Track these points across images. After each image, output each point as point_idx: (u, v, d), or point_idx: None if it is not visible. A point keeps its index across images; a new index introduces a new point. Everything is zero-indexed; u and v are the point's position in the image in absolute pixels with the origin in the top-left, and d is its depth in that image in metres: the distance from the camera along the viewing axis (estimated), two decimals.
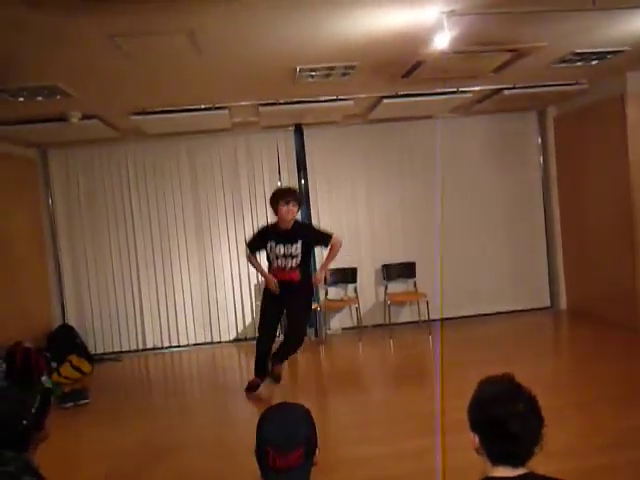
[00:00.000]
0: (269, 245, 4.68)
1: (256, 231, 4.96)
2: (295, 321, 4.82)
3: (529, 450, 1.56)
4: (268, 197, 6.84)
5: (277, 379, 4.80)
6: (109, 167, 6.82)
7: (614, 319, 6.14)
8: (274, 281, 4.70)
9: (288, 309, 4.83)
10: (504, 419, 1.55)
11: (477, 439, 1.61)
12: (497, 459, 1.58)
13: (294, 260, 4.62)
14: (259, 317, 4.97)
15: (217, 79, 4.70)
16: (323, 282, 4.76)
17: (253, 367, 4.96)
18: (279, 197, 4.61)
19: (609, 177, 6.10)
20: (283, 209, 4.56)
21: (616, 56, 4.96)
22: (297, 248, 4.60)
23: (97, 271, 6.87)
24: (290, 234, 4.63)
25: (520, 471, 1.56)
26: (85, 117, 5.40)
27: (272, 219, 6.88)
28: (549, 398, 4.34)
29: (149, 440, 4.13)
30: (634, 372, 4.89)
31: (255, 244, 4.86)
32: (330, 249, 4.79)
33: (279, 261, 4.66)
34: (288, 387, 5.44)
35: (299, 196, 4.79)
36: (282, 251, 4.63)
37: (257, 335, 4.96)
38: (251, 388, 4.89)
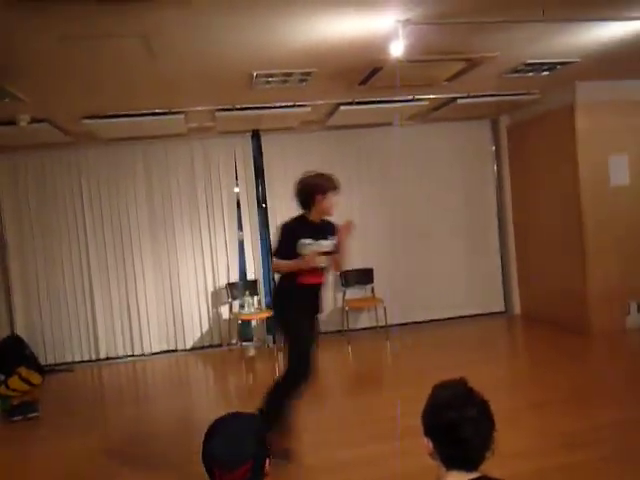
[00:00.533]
0: (301, 242, 3.53)
1: (281, 233, 3.66)
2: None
3: (481, 454, 1.57)
4: (225, 202, 6.90)
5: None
6: (61, 172, 6.62)
7: (566, 322, 6.31)
8: (314, 258, 3.49)
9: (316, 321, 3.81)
10: (456, 424, 1.55)
11: (431, 444, 1.62)
12: (450, 464, 1.59)
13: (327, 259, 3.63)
14: (297, 332, 3.59)
15: (172, 84, 4.62)
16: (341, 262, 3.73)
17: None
18: (329, 186, 3.63)
19: (560, 184, 6.28)
20: (327, 202, 3.60)
21: (566, 67, 5.12)
22: (331, 245, 3.64)
23: (48, 279, 6.65)
24: (322, 229, 3.66)
25: (473, 475, 1.57)
26: (35, 120, 5.23)
27: (230, 226, 6.91)
28: (504, 401, 4.44)
29: (101, 454, 4.00)
30: (586, 374, 5.03)
31: (285, 249, 3.58)
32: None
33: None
34: (246, 396, 5.39)
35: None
36: (317, 249, 3.56)
37: (302, 352, 3.58)
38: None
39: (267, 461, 1.59)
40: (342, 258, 3.70)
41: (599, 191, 5.98)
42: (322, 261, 3.55)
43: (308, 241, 3.55)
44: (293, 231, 3.60)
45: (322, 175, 3.71)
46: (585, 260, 5.98)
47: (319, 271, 3.59)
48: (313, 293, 3.65)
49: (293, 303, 3.60)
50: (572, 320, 6.24)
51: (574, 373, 4.93)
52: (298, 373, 3.55)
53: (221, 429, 1.57)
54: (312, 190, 3.62)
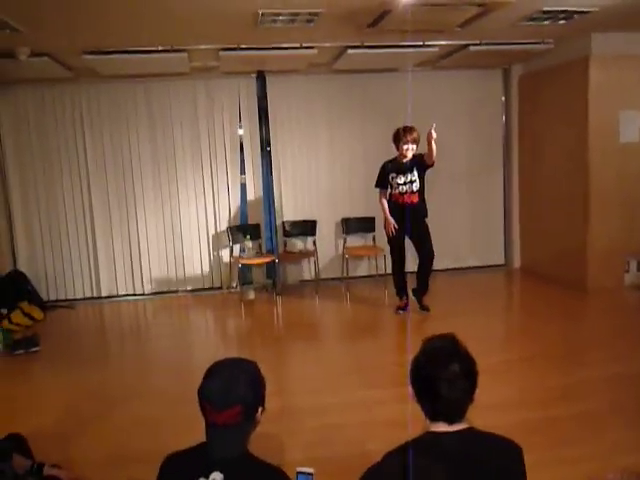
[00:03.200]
0: (390, 176, 5.36)
1: (379, 170, 5.49)
2: (423, 242, 5.41)
3: (459, 410, 1.60)
4: (228, 144, 6.83)
5: (427, 309, 5.53)
6: (62, 108, 6.51)
7: (564, 278, 6.34)
8: (392, 224, 5.36)
9: (413, 233, 5.40)
10: (433, 380, 1.58)
11: (414, 394, 1.65)
12: (432, 416, 1.62)
13: (413, 185, 5.28)
14: (390, 241, 5.54)
15: (175, 20, 4.47)
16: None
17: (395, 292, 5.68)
18: (402, 136, 5.22)
19: (568, 139, 6.17)
20: (404, 147, 5.22)
21: (583, 16, 4.93)
22: (415, 175, 5.27)
23: (50, 216, 6.65)
24: (407, 165, 5.29)
25: (460, 426, 1.61)
26: (35, 54, 5.10)
27: (233, 169, 6.86)
28: (496, 353, 4.52)
29: (101, 388, 4.12)
30: (580, 329, 5.10)
31: (382, 182, 5.47)
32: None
33: (400, 188, 5.32)
34: (246, 337, 5.48)
35: (417, 134, 5.26)
36: (402, 179, 5.30)
37: (392, 260, 5.65)
38: (402, 308, 5.61)
39: (259, 409, 1.62)
40: (430, 153, 5.06)
41: (608, 147, 5.88)
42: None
43: (393, 174, 5.36)
44: (384, 168, 5.46)
45: (404, 128, 5.28)
46: (588, 216, 5.95)
47: (407, 195, 5.33)
48: (404, 209, 5.35)
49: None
50: (570, 276, 6.26)
51: (568, 328, 4.99)
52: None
53: (219, 371, 1.63)
54: (395, 138, 5.34)
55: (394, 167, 5.36)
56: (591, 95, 5.78)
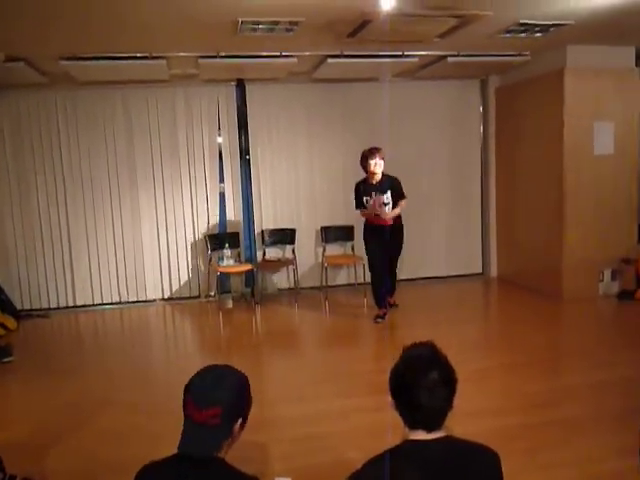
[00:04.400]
0: (364, 199, 5.41)
1: (354, 191, 5.54)
2: (394, 257, 5.72)
3: (438, 418, 1.60)
4: (207, 152, 6.80)
5: (395, 305, 6.01)
6: (38, 114, 6.41)
7: (540, 287, 6.41)
8: (372, 213, 5.42)
9: (388, 248, 5.56)
10: (411, 389, 1.57)
11: (393, 402, 1.64)
12: (410, 424, 1.61)
13: (387, 207, 5.36)
14: (368, 258, 5.68)
15: (154, 27, 4.45)
16: (382, 214, 5.39)
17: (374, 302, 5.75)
18: (367, 156, 5.31)
19: (544, 150, 6.27)
20: (371, 163, 5.28)
21: (559, 29, 5.03)
22: (388, 197, 5.35)
23: (24, 224, 6.53)
24: (379, 186, 5.36)
25: (439, 434, 1.60)
26: (10, 59, 5.03)
27: (211, 177, 6.82)
28: (474, 361, 4.54)
29: (75, 399, 4.03)
30: (556, 337, 5.16)
31: (360, 201, 5.50)
32: (400, 204, 5.46)
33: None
34: (224, 346, 5.43)
35: (383, 152, 5.37)
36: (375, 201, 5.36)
37: (371, 276, 5.71)
38: (381, 317, 5.63)
39: (239, 420, 1.61)
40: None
41: (583, 158, 5.98)
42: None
43: (367, 197, 5.39)
44: (357, 189, 5.52)
45: (367, 149, 5.39)
46: (563, 227, 6.03)
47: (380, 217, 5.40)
48: (379, 230, 5.47)
49: (365, 236, 5.71)
50: (546, 285, 6.34)
51: (545, 337, 5.04)
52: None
53: (210, 370, 1.66)
54: (361, 161, 5.42)
55: (366, 189, 5.41)
56: (566, 107, 5.88)
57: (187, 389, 1.61)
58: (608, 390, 3.80)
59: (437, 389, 1.56)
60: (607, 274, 6.19)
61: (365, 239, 5.68)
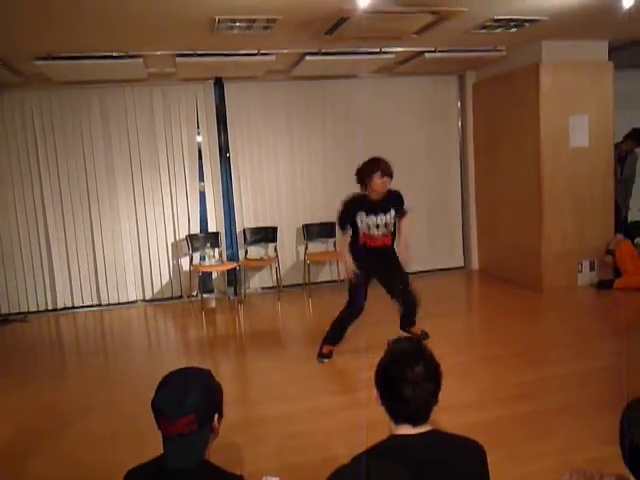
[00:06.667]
0: (359, 217, 4.36)
1: (342, 207, 4.47)
2: (403, 284, 4.60)
3: (423, 412, 1.61)
4: (186, 151, 6.73)
5: (426, 336, 4.60)
6: (12, 115, 6.30)
7: (520, 279, 6.49)
8: (352, 269, 4.37)
9: (390, 274, 4.54)
10: (396, 382, 1.58)
11: (378, 397, 1.65)
12: (396, 418, 1.62)
13: (387, 228, 4.41)
14: (350, 289, 4.54)
15: (130, 25, 4.40)
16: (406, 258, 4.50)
17: (327, 336, 4.62)
18: (375, 169, 4.27)
19: (521, 144, 6.34)
20: (379, 181, 4.26)
21: (534, 25, 5.08)
22: (391, 216, 4.41)
23: (1, 225, 6.42)
24: (383, 204, 4.38)
25: (424, 428, 1.61)
26: None
27: (191, 176, 6.77)
28: (458, 354, 4.57)
29: (55, 404, 3.99)
30: (537, 328, 5.23)
31: (344, 221, 4.47)
32: (403, 226, 4.57)
33: (372, 231, 4.38)
34: (207, 346, 5.41)
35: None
36: (376, 221, 4.36)
37: (347, 307, 4.55)
38: (327, 357, 4.58)
39: (215, 417, 1.60)
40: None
41: (559, 151, 6.06)
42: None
43: (362, 215, 4.35)
44: (350, 206, 4.42)
45: (376, 159, 4.36)
46: (541, 219, 6.11)
47: (380, 238, 4.41)
48: (375, 253, 4.44)
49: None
50: (526, 276, 6.41)
51: (525, 328, 5.11)
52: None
53: (169, 381, 1.62)
54: (362, 172, 4.36)
55: (364, 206, 4.36)
56: (542, 101, 5.95)
57: (154, 406, 1.57)
58: (588, 380, 3.86)
59: (422, 383, 1.57)
60: (586, 265, 6.29)
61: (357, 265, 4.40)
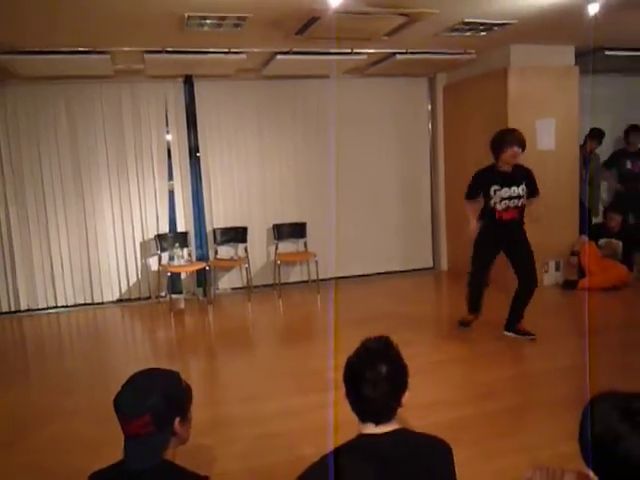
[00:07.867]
0: (492, 189, 4.50)
1: (474, 178, 4.69)
2: (526, 264, 4.66)
3: (385, 411, 1.61)
4: (155, 150, 6.63)
5: (532, 335, 4.70)
6: None
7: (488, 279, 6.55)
8: (474, 229, 4.65)
9: (513, 252, 4.68)
10: (358, 381, 1.59)
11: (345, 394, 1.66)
12: (360, 417, 1.63)
13: (520, 200, 4.51)
14: (475, 254, 4.82)
15: (97, 20, 4.31)
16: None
17: (467, 304, 5.00)
18: (511, 140, 4.39)
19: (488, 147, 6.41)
20: (510, 151, 4.38)
21: (503, 28, 5.16)
22: (523, 189, 4.51)
23: None
24: (515, 176, 4.50)
25: (389, 427, 1.61)
26: None
27: (160, 175, 6.67)
28: (426, 354, 4.59)
29: (17, 408, 3.88)
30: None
31: (474, 193, 4.69)
32: (534, 208, 4.75)
33: (503, 203, 4.51)
34: (176, 347, 5.34)
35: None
36: (507, 193, 4.48)
37: (472, 271, 4.89)
38: (465, 324, 4.97)
39: (176, 420, 1.58)
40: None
41: (526, 154, 6.10)
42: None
43: (496, 187, 4.46)
44: (481, 177, 4.60)
45: (508, 130, 4.54)
46: None
47: (509, 211, 4.53)
48: (504, 227, 4.59)
49: (482, 231, 4.68)
50: (494, 277, 6.48)
51: (492, 328, 5.16)
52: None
53: (133, 381, 1.62)
54: (496, 143, 4.46)
55: (496, 178, 4.49)
56: (510, 104, 6.04)
57: (114, 403, 1.57)
58: (553, 378, 3.93)
59: (381, 382, 1.57)
60: (552, 265, 6.41)
61: (482, 233, 4.67)
